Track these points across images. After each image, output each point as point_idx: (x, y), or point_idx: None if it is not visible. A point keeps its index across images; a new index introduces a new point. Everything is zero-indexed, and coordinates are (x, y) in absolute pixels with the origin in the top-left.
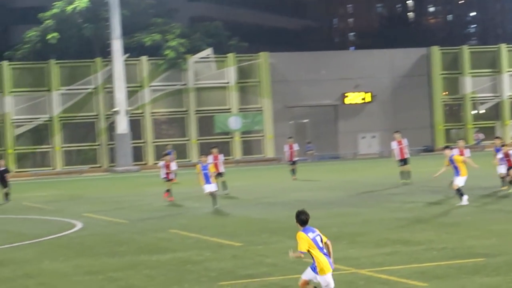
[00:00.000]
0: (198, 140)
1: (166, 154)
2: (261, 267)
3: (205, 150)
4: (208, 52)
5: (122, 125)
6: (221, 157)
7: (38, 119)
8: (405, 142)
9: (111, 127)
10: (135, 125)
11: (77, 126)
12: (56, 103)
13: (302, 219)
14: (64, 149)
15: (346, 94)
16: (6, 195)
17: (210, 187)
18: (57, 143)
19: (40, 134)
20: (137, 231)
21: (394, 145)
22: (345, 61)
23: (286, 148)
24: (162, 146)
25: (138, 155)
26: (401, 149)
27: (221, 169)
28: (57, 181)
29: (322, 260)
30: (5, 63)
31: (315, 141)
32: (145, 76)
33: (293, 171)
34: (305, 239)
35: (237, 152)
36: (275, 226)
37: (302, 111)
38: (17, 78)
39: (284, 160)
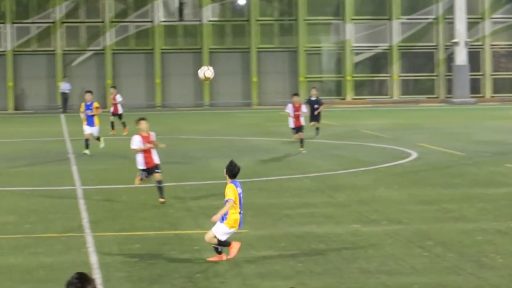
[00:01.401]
0: None
1: None
2: None
3: None
4: None
5: (461, 57)
6: None
7: (377, 48)
8: None
9: (450, 58)
10: (474, 57)
11: (415, 56)
12: (396, 32)
13: (234, 172)
14: (401, 78)
15: None
16: (317, 129)
17: None
18: (395, 72)
19: (378, 62)
20: (472, 164)
21: None
22: None
23: None
24: (500, 79)
25: (475, 87)
26: None
27: None
28: (393, 110)
29: (237, 217)
30: None
31: None
32: (487, 8)
33: None
34: (235, 191)
35: None
36: None
37: None
38: (358, 6)
39: None
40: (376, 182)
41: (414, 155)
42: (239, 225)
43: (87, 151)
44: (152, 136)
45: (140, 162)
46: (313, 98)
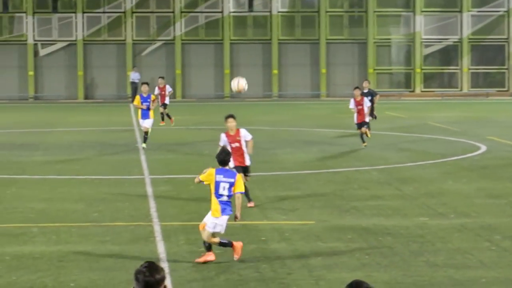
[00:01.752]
0: None
1: None
2: None
3: None
4: None
5: None
6: None
7: (447, 40)
8: None
9: None
10: None
11: (486, 49)
12: (466, 24)
13: (219, 159)
14: (471, 71)
15: None
16: (373, 117)
17: None
18: (465, 65)
19: (448, 55)
20: None
21: None
22: None
23: None
24: None
25: None
26: None
27: None
28: (462, 103)
29: (214, 203)
30: None
31: None
32: None
33: None
34: (210, 176)
35: None
36: None
37: None
38: None
39: None
40: (444, 175)
41: (483, 148)
42: (222, 212)
43: (144, 145)
44: (242, 133)
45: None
46: (365, 91)
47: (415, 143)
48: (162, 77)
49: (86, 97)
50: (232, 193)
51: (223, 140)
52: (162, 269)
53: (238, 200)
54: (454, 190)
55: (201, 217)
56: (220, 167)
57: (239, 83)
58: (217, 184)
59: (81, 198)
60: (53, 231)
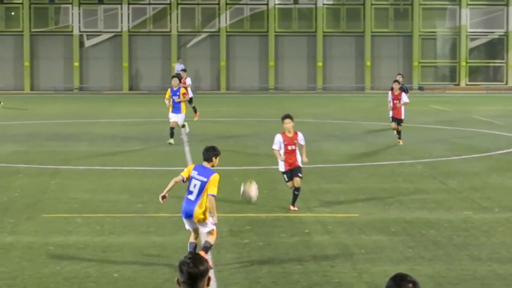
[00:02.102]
0: None
1: None
2: None
3: None
4: None
5: None
6: None
7: (493, 33)
8: None
9: None
10: None
11: None
12: None
13: (202, 153)
14: None
15: None
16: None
17: None
18: (510, 58)
19: (494, 48)
20: None
21: None
22: None
23: None
24: None
25: None
26: None
27: None
28: (508, 97)
29: (183, 202)
30: None
31: None
32: None
33: None
34: (188, 172)
35: None
36: None
37: None
38: None
39: None
40: (488, 169)
41: None
42: (183, 212)
43: (171, 141)
44: (300, 137)
45: (281, 164)
46: (402, 85)
47: (460, 136)
48: (184, 70)
49: (130, 88)
50: (202, 194)
51: (279, 141)
52: (206, 261)
53: (210, 203)
54: (499, 184)
55: (245, 209)
56: (204, 163)
57: (250, 191)
58: (190, 180)
59: (125, 189)
60: (97, 222)
